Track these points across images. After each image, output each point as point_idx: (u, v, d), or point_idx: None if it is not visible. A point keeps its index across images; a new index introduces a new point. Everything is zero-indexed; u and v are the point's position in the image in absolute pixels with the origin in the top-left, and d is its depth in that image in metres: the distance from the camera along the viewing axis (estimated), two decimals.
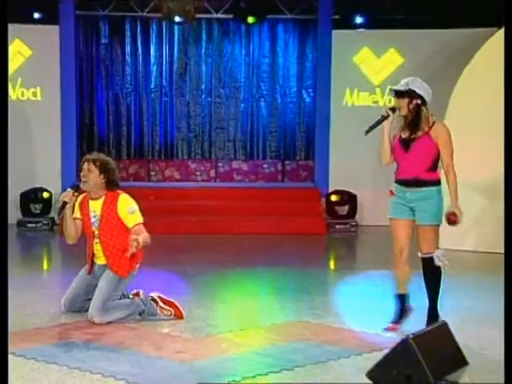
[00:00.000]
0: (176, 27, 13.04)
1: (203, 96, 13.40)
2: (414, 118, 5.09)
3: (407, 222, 5.18)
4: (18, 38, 11.81)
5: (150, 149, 13.40)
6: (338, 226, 11.61)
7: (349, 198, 11.95)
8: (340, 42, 12.05)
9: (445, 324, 4.14)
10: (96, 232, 5.41)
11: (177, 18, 12.12)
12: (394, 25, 12.01)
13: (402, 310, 5.29)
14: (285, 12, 12.73)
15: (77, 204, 5.51)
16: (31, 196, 11.75)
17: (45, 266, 9.16)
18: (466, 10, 11.63)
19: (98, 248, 5.45)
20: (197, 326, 5.33)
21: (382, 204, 12.40)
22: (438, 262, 5.13)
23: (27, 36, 11.86)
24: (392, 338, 4.57)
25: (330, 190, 12.09)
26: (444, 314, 5.10)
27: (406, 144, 5.13)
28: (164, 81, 13.28)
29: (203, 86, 13.36)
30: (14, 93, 11.95)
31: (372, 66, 12.21)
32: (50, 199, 11.76)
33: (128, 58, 13.17)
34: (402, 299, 5.30)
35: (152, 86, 13.27)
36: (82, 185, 5.42)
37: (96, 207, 5.42)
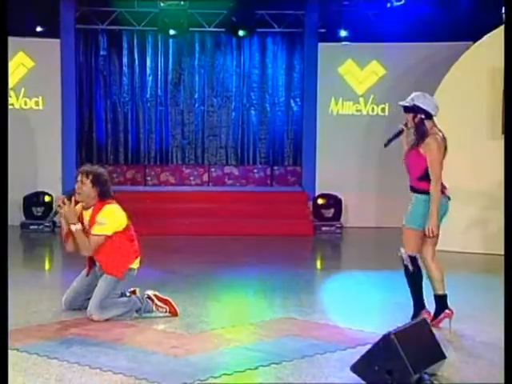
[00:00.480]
0: (171, 40, 13.04)
1: (196, 105, 13.40)
2: (418, 131, 5.16)
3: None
4: (22, 51, 11.77)
5: (147, 155, 13.38)
6: (324, 228, 11.61)
7: (334, 202, 11.96)
8: (325, 54, 12.07)
9: (424, 320, 4.17)
10: None
11: (171, 31, 12.12)
12: (376, 38, 12.08)
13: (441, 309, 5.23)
14: (273, 26, 12.75)
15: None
16: (33, 199, 11.70)
17: (46, 266, 9.13)
18: (443, 25, 11.74)
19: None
20: (190, 322, 5.33)
21: (366, 207, 12.55)
22: (405, 262, 5.22)
23: (30, 49, 11.83)
24: (375, 334, 4.57)
25: (317, 193, 12.10)
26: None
27: (408, 156, 5.26)
28: (159, 90, 13.28)
29: (196, 96, 13.36)
30: (17, 102, 11.92)
31: (356, 77, 12.24)
32: (51, 203, 11.73)
33: (125, 68, 13.16)
34: (438, 299, 5.24)
35: (148, 95, 13.26)
36: (76, 196, 5.39)
37: (87, 216, 5.41)
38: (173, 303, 5.46)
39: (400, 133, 5.29)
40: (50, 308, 5.77)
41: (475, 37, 9.86)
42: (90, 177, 5.37)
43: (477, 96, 9.30)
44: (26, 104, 11.96)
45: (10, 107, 11.87)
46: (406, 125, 5.25)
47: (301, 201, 12.04)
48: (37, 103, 11.99)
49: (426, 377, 3.75)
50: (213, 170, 13.46)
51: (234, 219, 11.18)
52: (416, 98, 5.18)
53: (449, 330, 5.06)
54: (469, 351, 4.67)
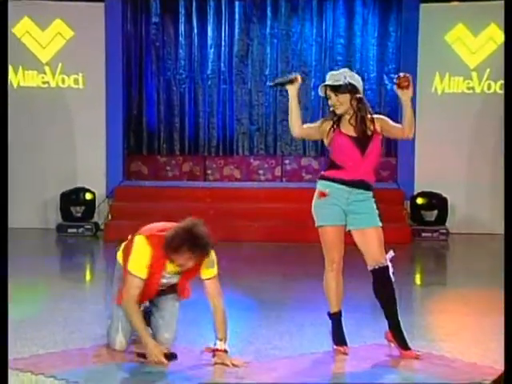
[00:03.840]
0: (237, 3, 13.10)
1: (268, 83, 13.43)
2: (359, 114, 5.19)
3: (343, 227, 5.24)
4: (59, 18, 12.04)
5: (207, 144, 13.48)
6: (424, 234, 11.57)
7: (438, 201, 11.82)
8: (429, 17, 11.93)
9: None
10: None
11: None
12: None
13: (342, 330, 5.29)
14: None
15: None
16: (72, 197, 11.91)
17: (88, 277, 9.31)
18: None
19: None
20: (261, 348, 5.35)
21: (478, 208, 12.30)
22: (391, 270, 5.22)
23: (69, 15, 12.07)
24: (493, 369, 4.49)
25: (416, 191, 11.98)
26: None
27: (362, 145, 5.19)
28: (222, 65, 13.34)
29: (267, 72, 13.38)
30: (53, 80, 12.19)
31: (467, 46, 12.05)
32: (93, 201, 11.94)
33: (182, 39, 13.28)
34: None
35: (209, 71, 13.35)
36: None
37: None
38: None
39: (291, 82, 5.21)
40: (92, 328, 5.86)
41: None
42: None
43: None
44: (63, 82, 12.23)
45: (44, 86, 12.19)
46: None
47: (396, 200, 11.92)
48: (76, 81, 12.24)
49: None
50: (287, 162, 13.47)
51: (312, 223, 11.14)
52: (349, 76, 5.22)
53: None
54: None
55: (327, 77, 5.29)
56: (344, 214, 5.22)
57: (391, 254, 5.26)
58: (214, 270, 5.20)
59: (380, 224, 5.27)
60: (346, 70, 5.38)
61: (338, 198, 5.20)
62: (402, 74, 5.24)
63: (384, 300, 5.26)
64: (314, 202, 5.32)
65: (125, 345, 5.23)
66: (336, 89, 5.17)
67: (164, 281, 5.24)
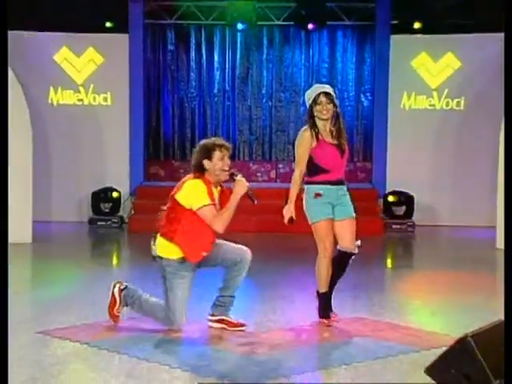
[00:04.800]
0: (238, 34, 13.09)
1: (264, 100, 13.41)
2: (340, 125, 5.20)
3: (332, 220, 5.26)
4: (92, 46, 12.04)
5: None
6: (394, 226, 11.55)
7: (406, 199, 11.81)
8: (398, 46, 11.93)
9: (502, 322, 4.05)
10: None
11: (239, 26, 12.20)
12: (451, 29, 11.86)
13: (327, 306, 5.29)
14: (343, 18, 12.66)
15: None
16: (101, 195, 11.93)
17: (114, 262, 9.31)
18: None
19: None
20: (258, 320, 5.35)
21: (440, 204, 12.33)
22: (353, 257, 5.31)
23: (99, 44, 12.09)
24: (449, 336, 4.49)
25: (388, 190, 11.97)
26: None
27: (340, 149, 5.21)
28: (227, 85, 13.34)
29: (264, 91, 13.38)
30: (86, 98, 12.20)
31: (429, 70, 12.06)
32: (119, 199, 11.94)
33: (193, 63, 13.27)
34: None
35: (215, 90, 13.35)
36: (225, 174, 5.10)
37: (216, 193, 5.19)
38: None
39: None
40: None
41: None
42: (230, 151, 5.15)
43: None
44: (94, 100, 12.23)
45: (79, 103, 12.19)
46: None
47: (371, 198, 11.92)
48: (105, 99, 12.25)
49: None
50: (280, 166, 13.46)
51: (302, 216, 11.12)
52: (332, 91, 5.18)
53: None
54: None
55: (317, 87, 5.24)
56: (332, 208, 5.22)
57: (358, 243, 5.30)
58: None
59: (354, 214, 5.33)
60: (328, 86, 5.31)
61: (330, 196, 5.20)
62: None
63: (335, 272, 5.30)
64: (307, 202, 5.26)
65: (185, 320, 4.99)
66: (329, 97, 5.13)
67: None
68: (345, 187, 5.31)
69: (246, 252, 5.16)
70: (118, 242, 10.92)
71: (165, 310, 4.97)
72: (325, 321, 5.23)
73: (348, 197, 5.33)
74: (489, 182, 10.58)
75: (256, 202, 5.07)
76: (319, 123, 5.19)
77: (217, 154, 5.03)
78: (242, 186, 5.04)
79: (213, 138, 5.22)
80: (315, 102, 5.14)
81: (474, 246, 10.27)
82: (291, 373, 4.10)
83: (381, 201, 11.96)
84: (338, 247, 5.29)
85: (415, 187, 11.82)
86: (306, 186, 5.30)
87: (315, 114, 5.17)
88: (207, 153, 5.03)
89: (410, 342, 4.80)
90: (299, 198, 5.37)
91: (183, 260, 4.96)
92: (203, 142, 5.17)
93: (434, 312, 5.88)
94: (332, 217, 5.23)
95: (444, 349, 3.82)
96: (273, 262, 8.32)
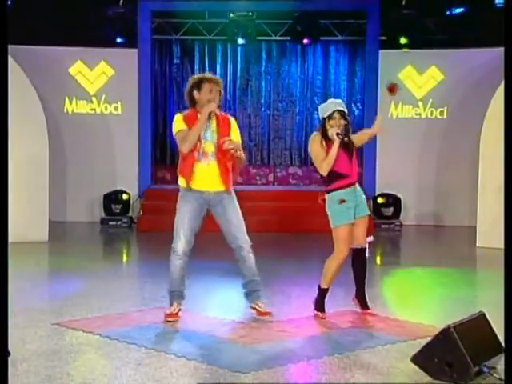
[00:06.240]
0: (239, 48, 13.11)
1: (263, 109, 13.44)
2: (348, 135, 5.18)
3: (352, 224, 5.23)
4: (103, 60, 12.05)
5: None
6: (383, 226, 11.53)
7: (394, 200, 11.82)
8: (386, 60, 11.93)
9: (483, 314, 4.08)
10: (213, 150, 5.08)
11: (240, 41, 12.24)
12: (435, 45, 11.91)
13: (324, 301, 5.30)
14: (336, 34, 12.69)
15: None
16: (112, 197, 11.92)
17: (124, 259, 9.32)
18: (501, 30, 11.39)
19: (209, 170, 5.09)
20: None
21: (425, 205, 12.29)
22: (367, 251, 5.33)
23: (110, 58, 12.08)
24: (433, 327, 4.50)
25: (377, 193, 11.99)
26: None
27: (349, 152, 5.20)
28: (228, 96, 13.34)
29: (263, 100, 13.40)
30: (98, 107, 12.19)
31: (415, 82, 12.07)
32: (128, 200, 11.95)
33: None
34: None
35: None
36: (211, 106, 5.01)
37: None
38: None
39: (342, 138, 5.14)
40: (128, 297, 5.88)
41: None
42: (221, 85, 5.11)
43: None
44: (106, 109, 12.23)
45: (91, 112, 12.20)
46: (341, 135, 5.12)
47: None
48: (116, 108, 12.24)
49: (485, 370, 3.67)
50: (278, 170, 13.47)
51: (298, 217, 11.16)
52: (344, 108, 5.20)
53: None
54: None
55: (333, 102, 5.23)
56: (354, 210, 5.22)
57: (371, 238, 5.30)
58: (239, 138, 5.15)
59: (369, 212, 5.36)
60: (341, 101, 5.30)
61: (351, 199, 5.20)
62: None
63: (357, 271, 5.34)
64: (331, 207, 5.23)
65: (187, 249, 5.04)
66: (343, 114, 5.16)
67: (207, 135, 5.10)
68: (358, 186, 5.31)
69: (239, 241, 5.21)
70: (128, 240, 10.92)
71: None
72: (319, 314, 5.24)
73: (363, 194, 5.33)
74: (469, 185, 10.59)
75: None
76: (329, 131, 5.17)
77: (206, 86, 5.05)
78: (209, 106, 4.99)
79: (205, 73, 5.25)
80: (330, 117, 5.15)
81: (456, 244, 10.29)
82: (287, 362, 4.12)
83: (371, 202, 11.96)
84: (351, 246, 5.26)
85: (402, 190, 11.83)
86: (328, 195, 5.26)
87: (327, 127, 5.17)
88: (197, 84, 5.08)
89: (397, 332, 4.81)
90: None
91: (189, 189, 5.08)
92: (194, 75, 5.25)
93: (420, 305, 5.89)
94: (353, 221, 5.21)
95: (428, 339, 3.84)
96: (270, 259, 8.32)
